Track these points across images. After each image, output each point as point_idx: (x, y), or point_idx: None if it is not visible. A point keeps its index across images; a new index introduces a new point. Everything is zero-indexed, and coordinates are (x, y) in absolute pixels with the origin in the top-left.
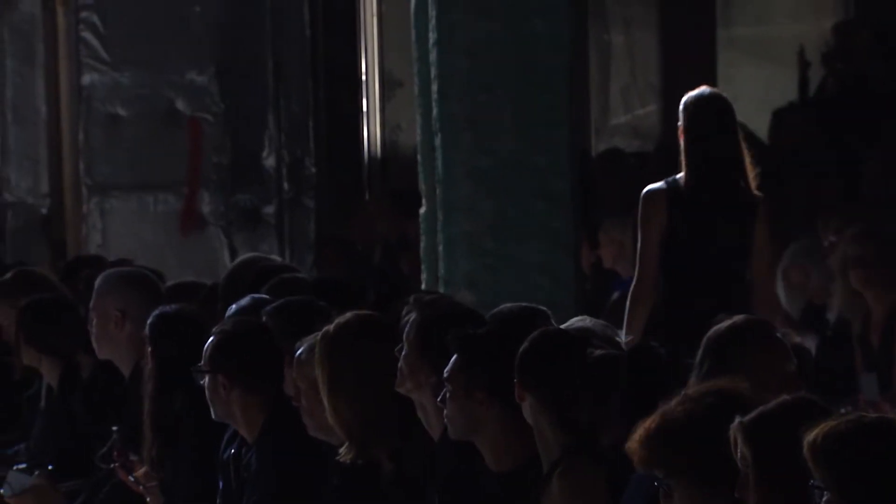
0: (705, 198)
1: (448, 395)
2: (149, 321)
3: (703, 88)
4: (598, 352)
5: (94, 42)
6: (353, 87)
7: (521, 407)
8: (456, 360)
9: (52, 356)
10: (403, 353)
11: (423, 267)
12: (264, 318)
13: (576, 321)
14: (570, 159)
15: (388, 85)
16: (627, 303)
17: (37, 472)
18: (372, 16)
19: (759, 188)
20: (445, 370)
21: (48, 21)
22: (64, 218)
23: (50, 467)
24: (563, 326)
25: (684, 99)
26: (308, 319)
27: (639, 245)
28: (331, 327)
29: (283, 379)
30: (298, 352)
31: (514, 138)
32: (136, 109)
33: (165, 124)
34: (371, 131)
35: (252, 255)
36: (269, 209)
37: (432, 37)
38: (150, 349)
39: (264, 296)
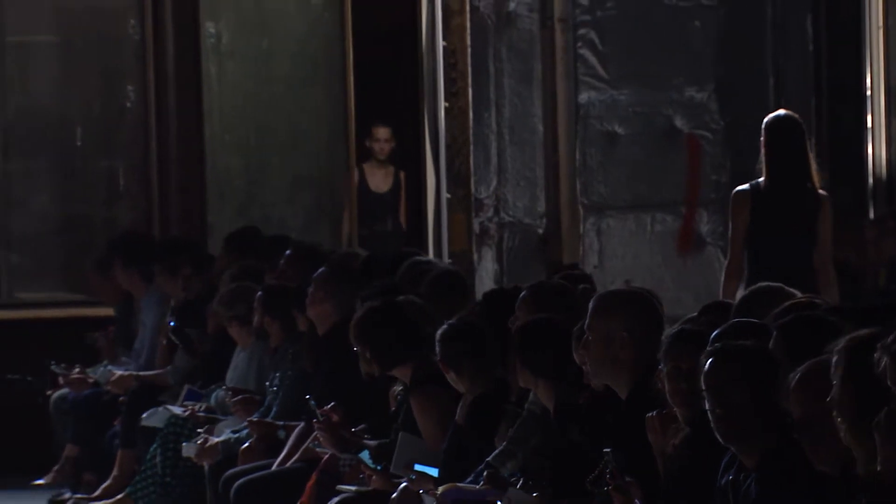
0: (780, 196)
1: None
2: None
3: (780, 112)
4: None
5: (592, 59)
6: (858, 103)
7: None
8: None
9: (548, 379)
10: None
11: None
12: (774, 333)
13: None
14: None
15: (894, 100)
16: (722, 279)
17: (535, 494)
18: (878, 28)
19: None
20: None
21: (546, 39)
22: (560, 238)
23: (548, 490)
24: None
25: (765, 120)
26: (818, 337)
27: (730, 233)
28: (845, 341)
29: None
30: (797, 375)
31: None
32: (634, 127)
33: (663, 142)
34: (876, 149)
35: (768, 285)
36: None
37: None
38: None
39: (751, 319)
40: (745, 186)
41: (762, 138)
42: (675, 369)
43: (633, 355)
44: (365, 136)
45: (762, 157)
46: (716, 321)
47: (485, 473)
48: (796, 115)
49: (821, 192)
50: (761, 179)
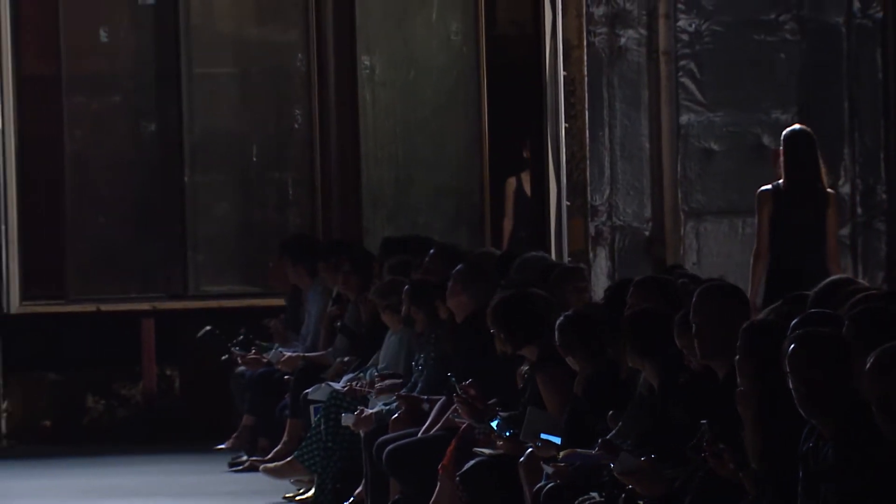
0: (796, 195)
1: None
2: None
3: (795, 126)
4: None
5: (692, 86)
6: None
7: None
8: None
9: (653, 361)
10: None
11: None
12: (846, 322)
13: None
14: None
15: None
16: (751, 262)
17: (643, 458)
18: None
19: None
20: None
21: (652, 69)
22: (664, 239)
23: (653, 455)
24: None
25: (783, 133)
26: (884, 325)
27: (756, 225)
28: None
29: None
30: (871, 360)
31: None
32: (728, 144)
33: (753, 157)
34: None
35: (839, 278)
36: (844, 231)
37: None
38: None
39: (825, 310)
40: (768, 186)
41: (781, 147)
42: (751, 358)
43: (731, 338)
44: (521, 147)
45: (781, 163)
46: (794, 311)
47: (599, 441)
48: (808, 129)
49: (829, 190)
50: (781, 181)
